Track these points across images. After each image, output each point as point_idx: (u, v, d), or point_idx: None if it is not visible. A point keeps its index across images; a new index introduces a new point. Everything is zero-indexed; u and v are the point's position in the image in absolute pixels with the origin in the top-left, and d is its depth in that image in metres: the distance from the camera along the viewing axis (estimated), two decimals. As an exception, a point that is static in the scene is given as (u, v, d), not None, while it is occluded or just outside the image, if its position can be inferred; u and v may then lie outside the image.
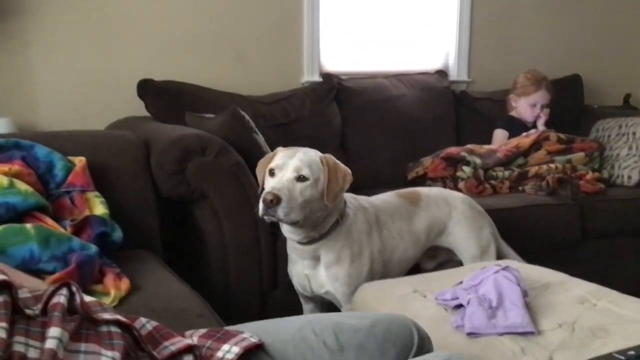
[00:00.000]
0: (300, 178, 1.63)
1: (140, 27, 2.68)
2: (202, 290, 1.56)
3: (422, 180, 2.81)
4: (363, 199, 1.93)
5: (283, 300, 2.02)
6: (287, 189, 1.59)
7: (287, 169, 1.63)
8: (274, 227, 1.89)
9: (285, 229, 1.74)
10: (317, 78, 2.97)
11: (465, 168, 2.70)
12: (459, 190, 2.64)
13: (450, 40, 3.32)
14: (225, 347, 0.88)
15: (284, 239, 1.81)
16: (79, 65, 2.60)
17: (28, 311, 0.79)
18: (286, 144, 2.53)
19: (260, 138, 2.14)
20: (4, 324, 0.73)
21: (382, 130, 2.91)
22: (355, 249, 1.79)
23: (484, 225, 2.07)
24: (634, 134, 2.93)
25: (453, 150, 2.77)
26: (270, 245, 1.98)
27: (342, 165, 1.76)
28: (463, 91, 3.27)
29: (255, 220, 1.88)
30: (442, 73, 3.25)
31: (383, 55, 3.21)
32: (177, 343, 0.86)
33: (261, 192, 1.64)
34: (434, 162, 2.77)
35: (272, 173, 1.66)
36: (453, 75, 3.31)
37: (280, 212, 1.57)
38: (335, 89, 2.89)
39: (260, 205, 1.58)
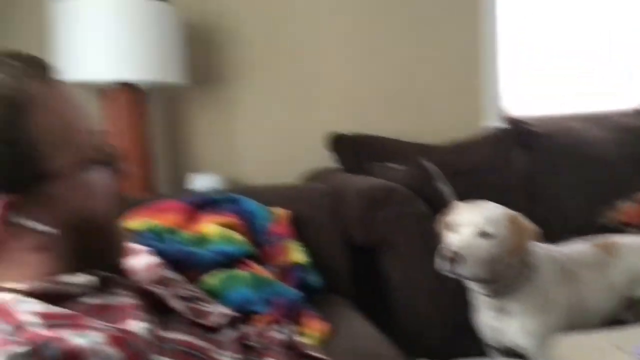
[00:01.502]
0: (483, 235, 1.61)
1: (328, 84, 2.91)
2: (390, 335, 1.63)
3: (617, 226, 2.64)
4: (552, 249, 1.87)
5: (469, 346, 2.02)
6: (468, 246, 1.58)
7: (469, 225, 1.62)
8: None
9: (473, 285, 1.75)
10: (499, 123, 2.96)
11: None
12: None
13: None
14: None
15: (470, 288, 1.82)
16: (274, 123, 2.88)
17: (249, 343, 0.92)
18: (470, 192, 2.56)
19: (445, 187, 2.20)
20: (230, 353, 0.86)
21: (573, 175, 2.80)
22: (545, 301, 1.74)
23: None
24: None
25: (653, 194, 2.58)
26: (457, 293, 2.00)
27: (527, 223, 1.73)
28: (663, 130, 3.04)
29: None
30: (637, 112, 3.06)
31: (571, 95, 3.11)
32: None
33: (441, 247, 1.65)
34: (632, 207, 2.60)
35: (452, 228, 1.66)
36: (650, 113, 3.10)
37: (461, 269, 1.57)
38: (520, 134, 2.85)
39: (440, 261, 1.59)
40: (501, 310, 1.74)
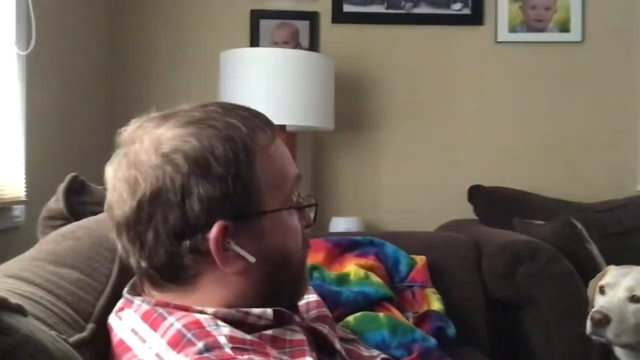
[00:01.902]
0: (634, 299, 1.55)
1: (473, 136, 2.92)
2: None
3: None
4: None
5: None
6: (618, 308, 1.53)
7: (619, 287, 1.58)
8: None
9: (619, 352, 1.67)
10: (655, 186, 2.80)
11: None
12: None
13: None
14: None
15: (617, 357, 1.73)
16: (416, 172, 2.94)
17: None
18: (619, 255, 2.44)
19: (594, 248, 2.12)
20: None
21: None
22: None
23: None
24: None
25: None
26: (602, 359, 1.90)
27: None
28: None
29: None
30: None
31: None
32: None
33: (590, 309, 1.61)
34: None
35: (602, 291, 1.62)
36: None
37: (610, 333, 1.51)
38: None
39: (588, 324, 1.55)
40: None
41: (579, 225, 2.12)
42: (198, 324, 0.81)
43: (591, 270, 2.03)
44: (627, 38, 2.92)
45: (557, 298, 1.93)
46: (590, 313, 1.56)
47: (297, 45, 2.90)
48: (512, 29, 2.92)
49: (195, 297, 0.87)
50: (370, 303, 1.77)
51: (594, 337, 1.56)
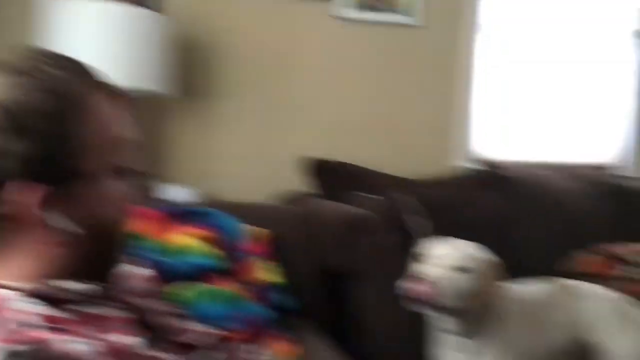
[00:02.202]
0: (455, 269, 1.64)
1: (313, 110, 2.93)
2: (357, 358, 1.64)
3: (577, 276, 2.72)
4: (518, 288, 1.91)
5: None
6: (441, 276, 1.61)
7: (441, 257, 1.65)
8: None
9: (436, 320, 1.76)
10: (475, 165, 3.03)
11: (626, 268, 2.59)
12: (617, 290, 2.53)
13: (619, 133, 3.24)
14: None
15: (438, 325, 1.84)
16: (255, 143, 2.89)
17: None
18: (443, 228, 2.60)
19: (423, 221, 2.23)
20: None
21: (540, 222, 2.87)
22: (512, 341, 1.77)
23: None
24: None
25: (614, 248, 2.67)
26: (418, 325, 2.02)
27: (498, 263, 1.77)
28: (628, 187, 3.16)
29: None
30: (606, 167, 3.17)
31: (542, 144, 3.21)
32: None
33: (416, 277, 1.65)
34: (591, 258, 2.69)
35: (423, 261, 1.68)
36: (619, 170, 3.21)
37: (433, 300, 1.58)
38: (494, 177, 2.92)
39: (409, 293, 1.59)
40: (468, 350, 1.77)
41: (409, 200, 2.22)
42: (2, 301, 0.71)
43: (418, 243, 2.15)
44: (462, 25, 3.10)
45: (389, 269, 2.01)
46: (412, 283, 1.61)
47: (142, 3, 2.68)
48: (357, 7, 2.96)
49: (2, 270, 0.76)
50: (205, 275, 1.72)
51: (416, 307, 1.63)
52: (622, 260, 2.61)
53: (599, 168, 3.16)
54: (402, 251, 2.01)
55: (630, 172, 3.23)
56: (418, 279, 1.61)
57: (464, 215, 2.74)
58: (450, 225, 2.66)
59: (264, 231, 1.94)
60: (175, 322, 0.98)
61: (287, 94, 2.93)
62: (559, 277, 2.70)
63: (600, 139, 3.26)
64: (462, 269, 1.65)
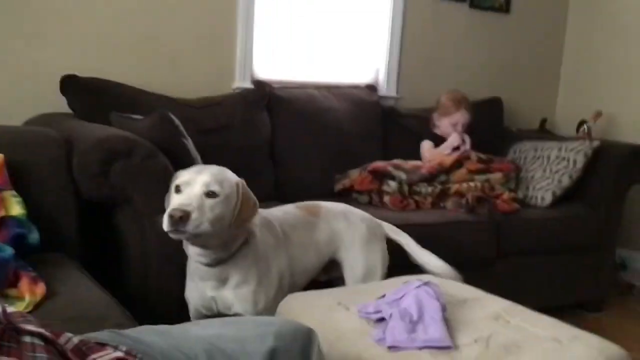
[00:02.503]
0: (210, 194, 1.57)
1: (70, 19, 2.59)
2: (121, 297, 1.52)
3: (348, 192, 2.85)
4: (265, 212, 1.89)
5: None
6: (196, 203, 1.54)
7: (195, 184, 1.58)
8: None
9: (192, 251, 1.69)
10: (249, 85, 2.96)
11: (391, 182, 2.77)
12: (384, 204, 2.71)
13: (381, 56, 3.40)
14: None
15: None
16: (0, 56, 2.48)
17: None
18: (215, 150, 2.52)
19: (190, 143, 2.11)
20: None
21: (312, 141, 2.93)
22: (264, 267, 1.76)
23: (376, 249, 2.07)
24: (548, 157, 3.09)
25: (380, 164, 2.84)
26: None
27: (252, 193, 1.74)
28: (391, 107, 3.35)
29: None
30: (372, 88, 3.32)
31: (315, 66, 3.24)
32: (104, 356, 0.84)
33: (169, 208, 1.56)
34: (361, 175, 2.83)
35: (178, 190, 1.59)
36: (382, 90, 3.38)
37: (190, 226, 1.50)
38: (267, 97, 2.89)
39: (166, 222, 1.51)
40: (220, 280, 1.71)
41: (177, 121, 2.08)
42: None
43: (187, 165, 2.03)
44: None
45: (153, 195, 1.87)
46: (169, 211, 1.52)
47: None
48: None
49: None
50: None
51: (173, 235, 1.54)
52: (389, 176, 2.78)
53: (365, 88, 3.29)
54: (168, 175, 1.88)
55: (392, 92, 3.42)
56: (172, 209, 1.52)
57: (236, 138, 2.68)
58: (221, 149, 2.60)
59: (-1, 157, 1.66)
60: None
61: (41, 1, 2.53)
62: (332, 195, 2.82)
63: (365, 61, 3.38)
64: (213, 194, 1.58)
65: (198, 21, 2.85)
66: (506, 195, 2.85)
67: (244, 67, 2.97)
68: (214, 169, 1.64)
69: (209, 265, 1.69)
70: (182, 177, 1.60)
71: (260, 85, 2.93)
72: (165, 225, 1.51)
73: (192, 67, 2.87)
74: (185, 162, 2.01)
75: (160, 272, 1.89)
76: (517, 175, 3.04)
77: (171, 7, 2.79)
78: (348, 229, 2.03)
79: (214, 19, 2.89)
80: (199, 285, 1.74)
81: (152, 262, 1.86)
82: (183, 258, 1.80)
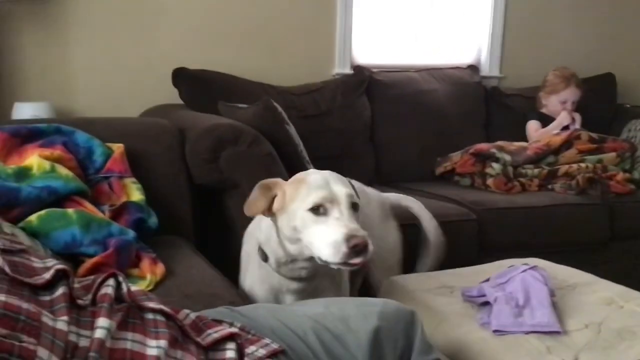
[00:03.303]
0: (354, 206, 1.32)
1: (177, 15, 2.73)
2: (231, 277, 1.60)
3: (450, 175, 2.82)
4: None
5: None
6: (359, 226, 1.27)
7: (341, 200, 1.30)
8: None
9: (286, 269, 1.40)
10: (348, 70, 2.99)
11: (495, 165, 2.71)
12: (488, 186, 2.65)
13: (483, 36, 3.31)
14: (252, 347, 0.91)
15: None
16: (114, 51, 2.66)
17: (79, 302, 0.82)
18: (316, 135, 2.58)
19: (292, 129, 2.17)
20: (65, 317, 0.77)
21: (412, 124, 2.92)
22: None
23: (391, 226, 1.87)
24: (667, 135, 2.90)
25: (483, 146, 2.78)
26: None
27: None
28: (494, 87, 3.26)
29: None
30: (474, 68, 3.24)
31: (415, 49, 3.22)
32: (220, 331, 0.90)
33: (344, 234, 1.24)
34: (463, 157, 2.78)
35: (320, 211, 1.29)
36: (485, 70, 3.30)
37: (366, 256, 1.24)
38: (366, 82, 2.90)
39: (340, 253, 1.23)
40: (309, 292, 1.44)
41: (279, 108, 2.15)
42: None
43: (291, 152, 2.09)
44: None
45: (259, 179, 1.93)
46: (349, 241, 1.23)
47: None
48: None
49: None
50: (59, 199, 1.57)
51: (341, 266, 1.28)
52: (492, 157, 2.72)
53: (467, 69, 3.22)
54: (273, 161, 1.95)
55: (495, 71, 3.32)
56: (355, 237, 1.24)
57: (337, 123, 2.73)
58: (322, 134, 2.66)
59: (119, 147, 1.79)
60: (19, 260, 0.85)
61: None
62: (433, 178, 2.80)
63: (467, 41, 3.31)
64: (355, 206, 1.33)
65: (297, 10, 2.91)
66: (620, 176, 2.70)
67: (344, 53, 3.00)
68: (338, 177, 1.37)
69: (304, 279, 1.43)
70: (317, 194, 1.30)
71: (359, 70, 2.95)
72: (338, 256, 1.24)
73: (292, 55, 2.93)
74: (289, 148, 2.07)
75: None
76: (633, 155, 2.87)
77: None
78: (368, 204, 1.73)
79: (312, 7, 2.94)
80: (279, 297, 1.47)
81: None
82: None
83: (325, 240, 1.26)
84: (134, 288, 0.91)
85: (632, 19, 3.59)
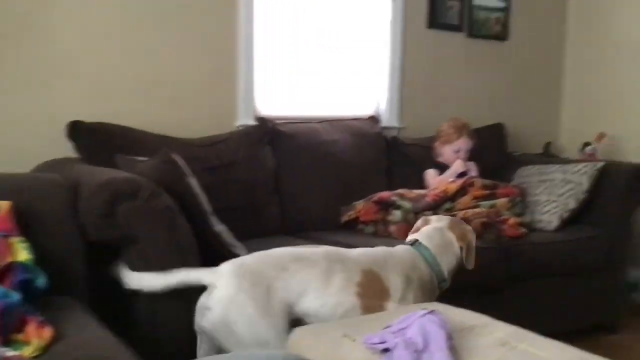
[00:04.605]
0: None
1: (75, 66, 2.66)
2: (129, 337, 1.53)
3: (354, 223, 2.87)
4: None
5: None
6: None
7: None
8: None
9: None
10: (251, 122, 3.00)
11: (396, 212, 2.78)
12: (390, 233, 2.71)
13: (382, 88, 3.44)
14: None
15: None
16: (8, 103, 2.54)
17: None
18: (221, 186, 2.56)
19: (194, 181, 2.14)
20: None
21: (316, 174, 2.96)
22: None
23: None
24: (552, 180, 3.10)
25: (384, 194, 2.86)
26: (202, 288, 1.96)
27: None
28: (394, 137, 3.38)
29: (189, 262, 1.86)
30: (374, 119, 3.35)
31: (317, 101, 3.29)
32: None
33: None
34: (366, 205, 2.84)
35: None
36: (385, 121, 3.42)
37: None
38: (270, 133, 2.93)
39: None
40: None
41: (180, 161, 2.12)
42: None
43: (192, 205, 2.06)
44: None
45: (159, 233, 1.90)
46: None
47: None
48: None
49: None
50: None
51: None
52: (394, 205, 2.79)
53: (367, 120, 3.32)
54: (172, 214, 1.91)
55: (394, 122, 3.45)
56: None
57: (241, 174, 2.72)
58: (226, 185, 2.64)
59: (6, 204, 1.70)
60: None
61: (44, 43, 2.60)
62: (337, 227, 2.84)
63: (366, 93, 3.43)
64: None
65: (198, 61, 2.91)
66: (512, 220, 2.85)
67: (247, 105, 3.02)
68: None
69: None
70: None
71: (262, 121, 2.97)
72: None
73: (195, 107, 2.92)
74: (189, 201, 2.04)
75: (168, 309, 1.90)
76: (523, 199, 3.05)
77: (171, 50, 2.85)
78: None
79: (214, 59, 2.95)
80: None
81: (159, 299, 1.86)
82: (192, 294, 1.79)
83: None
84: (10, 353, 0.86)
85: (520, 74, 3.88)
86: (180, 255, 1.86)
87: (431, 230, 2.11)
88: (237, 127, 2.99)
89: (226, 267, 1.77)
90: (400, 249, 2.04)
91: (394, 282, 1.88)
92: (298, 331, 1.71)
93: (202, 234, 2.01)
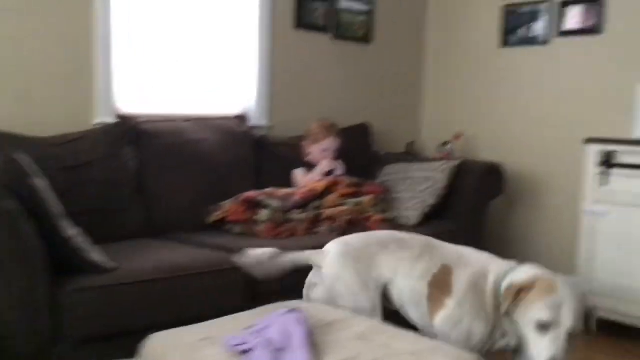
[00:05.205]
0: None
1: None
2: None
3: (222, 223, 2.81)
4: None
5: (71, 355, 1.87)
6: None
7: (562, 326, 1.61)
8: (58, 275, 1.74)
9: None
10: (111, 119, 2.84)
11: (263, 211, 2.77)
12: (258, 233, 2.69)
13: (251, 87, 3.41)
14: None
15: (68, 290, 1.64)
16: None
17: None
18: (79, 186, 2.40)
19: (42, 183, 1.98)
20: None
21: (182, 174, 2.87)
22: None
23: None
24: (414, 178, 3.23)
25: (252, 194, 2.83)
26: (50, 296, 1.82)
27: None
28: (263, 136, 3.37)
29: (33, 269, 1.73)
30: (242, 118, 3.31)
31: (183, 99, 3.20)
32: None
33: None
34: (233, 205, 2.80)
35: (544, 328, 1.60)
36: (253, 120, 3.39)
37: None
38: (131, 132, 2.79)
39: None
40: None
41: (24, 160, 1.95)
42: None
43: (39, 208, 1.90)
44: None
45: (2, 240, 1.74)
46: None
47: None
48: None
49: None
50: None
51: None
52: (261, 205, 2.77)
53: (235, 119, 3.28)
54: (14, 217, 1.76)
55: (263, 121, 3.44)
56: None
57: (100, 174, 2.58)
58: (83, 185, 2.49)
59: None
60: None
61: None
62: (205, 227, 2.77)
63: (235, 91, 3.39)
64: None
65: (50, 54, 2.71)
66: (377, 217, 2.93)
67: (106, 102, 2.85)
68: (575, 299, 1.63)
69: None
70: (547, 312, 1.60)
71: (123, 119, 2.83)
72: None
73: (47, 103, 2.71)
74: (35, 203, 1.89)
75: (10, 318, 1.75)
76: (387, 197, 3.15)
77: (18, 40, 2.63)
78: None
79: (68, 52, 2.76)
80: None
81: (3, 308, 1.71)
82: (37, 302, 1.67)
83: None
84: None
85: (384, 76, 4.01)
86: (25, 262, 1.72)
87: (531, 277, 1.72)
88: (95, 125, 2.82)
89: (332, 246, 1.99)
90: (495, 263, 1.89)
91: (459, 283, 1.82)
92: (153, 337, 1.63)
93: (50, 239, 1.86)
